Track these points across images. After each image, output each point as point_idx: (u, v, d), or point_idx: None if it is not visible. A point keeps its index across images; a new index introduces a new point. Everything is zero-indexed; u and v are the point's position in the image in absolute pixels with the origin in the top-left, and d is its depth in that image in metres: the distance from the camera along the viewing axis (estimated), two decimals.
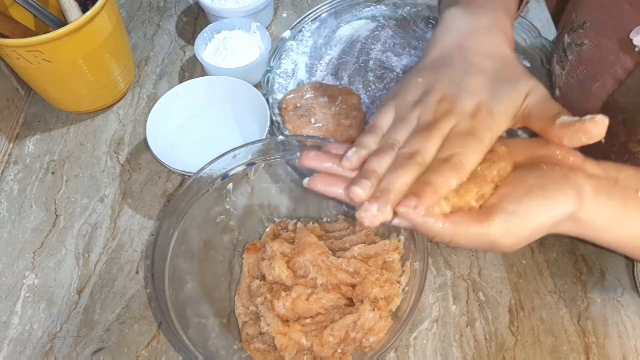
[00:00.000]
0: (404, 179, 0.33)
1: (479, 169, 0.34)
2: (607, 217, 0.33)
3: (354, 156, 0.35)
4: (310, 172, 0.48)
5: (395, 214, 0.32)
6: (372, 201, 0.32)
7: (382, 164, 0.34)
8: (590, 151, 0.52)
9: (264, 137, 0.57)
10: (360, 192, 0.32)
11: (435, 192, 0.32)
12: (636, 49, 0.43)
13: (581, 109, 0.53)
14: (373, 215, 0.31)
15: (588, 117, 0.33)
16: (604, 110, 0.48)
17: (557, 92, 0.58)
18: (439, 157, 0.34)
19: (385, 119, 0.38)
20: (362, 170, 0.34)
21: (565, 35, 0.53)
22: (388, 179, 0.33)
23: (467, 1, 0.44)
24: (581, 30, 0.50)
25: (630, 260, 0.52)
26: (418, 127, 0.36)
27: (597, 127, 0.33)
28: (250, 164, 0.51)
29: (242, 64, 0.66)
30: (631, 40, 0.43)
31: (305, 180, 0.37)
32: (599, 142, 0.46)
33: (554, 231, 0.34)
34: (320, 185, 0.36)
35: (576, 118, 0.34)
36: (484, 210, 0.32)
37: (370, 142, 0.37)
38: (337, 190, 0.35)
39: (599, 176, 0.34)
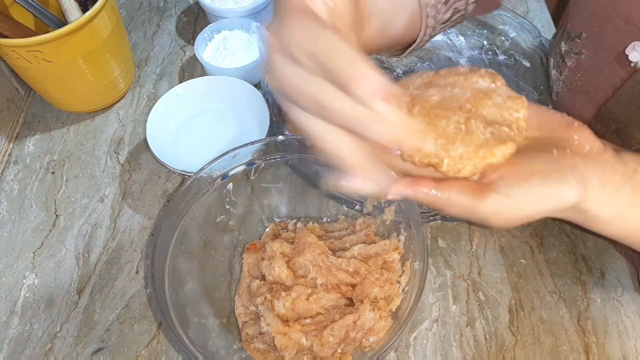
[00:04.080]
0: None
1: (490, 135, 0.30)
2: (612, 210, 0.32)
3: None
4: (310, 172, 0.48)
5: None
6: None
7: None
8: None
9: (264, 137, 0.57)
10: None
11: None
12: (631, 64, 0.43)
13: (577, 114, 0.53)
14: None
15: None
16: (597, 118, 0.48)
17: (554, 96, 0.58)
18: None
19: None
20: None
21: (563, 43, 0.53)
22: None
23: None
24: (578, 40, 0.50)
25: (635, 267, 0.52)
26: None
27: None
28: (250, 164, 0.51)
29: (242, 64, 0.66)
30: (627, 56, 0.43)
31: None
32: None
33: (555, 216, 0.32)
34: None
35: None
36: (480, 186, 0.31)
37: None
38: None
39: (614, 168, 0.33)
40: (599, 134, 0.47)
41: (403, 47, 0.48)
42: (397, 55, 0.50)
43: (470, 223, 0.56)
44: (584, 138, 0.33)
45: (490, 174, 0.31)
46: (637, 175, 0.33)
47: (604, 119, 0.47)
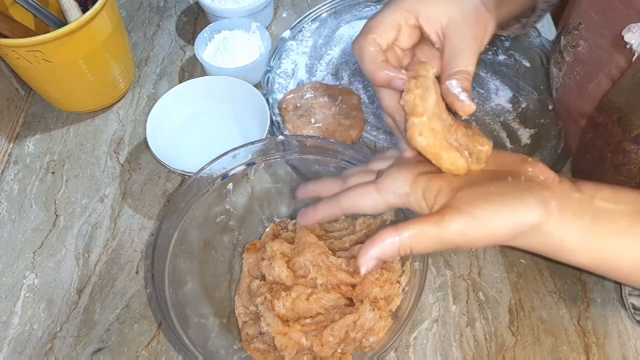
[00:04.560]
0: None
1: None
2: (576, 236, 0.32)
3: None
4: (310, 172, 0.48)
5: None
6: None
7: None
8: (587, 151, 0.52)
9: (264, 137, 0.57)
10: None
11: None
12: (627, 47, 0.43)
13: (577, 109, 0.54)
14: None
15: (461, 96, 0.37)
16: (599, 110, 0.48)
17: (555, 93, 0.58)
18: None
19: None
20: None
21: (562, 38, 0.54)
22: None
23: None
24: (576, 32, 0.50)
25: (618, 283, 0.52)
26: None
27: (462, 110, 0.37)
28: (250, 164, 0.51)
29: (242, 64, 0.66)
30: (622, 37, 0.43)
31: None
32: (595, 142, 0.47)
33: (522, 244, 0.33)
34: None
35: (456, 90, 0.37)
36: (437, 212, 0.32)
37: None
38: None
39: (571, 195, 0.33)
40: (601, 125, 0.48)
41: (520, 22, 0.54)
42: (517, 31, 0.56)
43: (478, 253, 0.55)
44: (538, 170, 0.34)
45: (447, 201, 0.33)
46: (595, 201, 0.33)
47: (606, 110, 0.47)
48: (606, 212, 0.33)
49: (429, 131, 0.35)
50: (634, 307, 0.50)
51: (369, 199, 0.36)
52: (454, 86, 0.38)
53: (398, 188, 0.35)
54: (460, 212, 0.31)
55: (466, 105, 0.37)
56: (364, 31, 0.42)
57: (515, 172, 0.34)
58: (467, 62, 0.40)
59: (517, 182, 0.33)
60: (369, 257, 0.33)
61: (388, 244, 0.32)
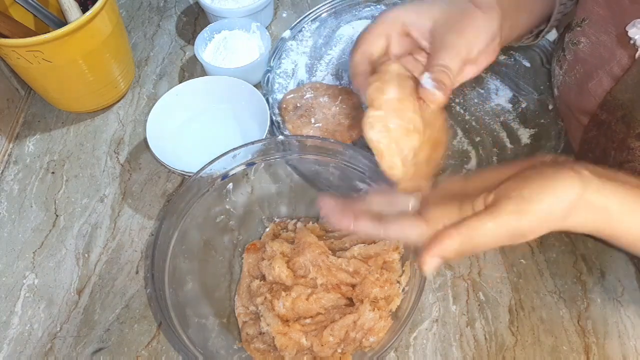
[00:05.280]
0: None
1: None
2: (619, 202, 0.33)
3: None
4: (310, 172, 0.48)
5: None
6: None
7: None
8: (590, 149, 0.52)
9: (264, 137, 0.57)
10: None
11: None
12: (631, 42, 0.43)
13: (579, 107, 0.54)
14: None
15: (426, 83, 0.38)
16: (602, 107, 0.48)
17: (556, 91, 0.58)
18: None
19: None
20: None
21: (566, 35, 0.54)
22: None
23: None
24: (578, 28, 0.50)
25: (638, 267, 0.52)
26: None
27: (426, 97, 0.38)
28: (250, 164, 0.51)
29: (242, 64, 0.66)
30: (626, 33, 0.43)
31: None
32: (598, 140, 0.47)
33: (576, 223, 0.33)
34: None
35: (426, 81, 0.38)
36: (488, 207, 0.33)
37: None
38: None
39: (595, 168, 0.34)
40: (605, 123, 0.48)
41: (534, 33, 0.55)
42: (529, 42, 0.57)
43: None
44: (553, 157, 0.36)
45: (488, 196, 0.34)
46: (619, 175, 0.34)
47: (610, 107, 0.47)
48: (633, 183, 0.34)
49: (382, 126, 0.35)
50: None
51: (417, 231, 0.36)
52: (425, 77, 0.39)
53: (447, 220, 0.35)
54: (508, 197, 0.32)
55: (429, 92, 0.37)
56: (355, 43, 0.44)
57: (537, 164, 0.35)
58: (447, 57, 0.40)
59: (546, 167, 0.34)
60: (432, 255, 0.33)
61: (449, 242, 0.33)
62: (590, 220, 0.34)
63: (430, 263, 0.33)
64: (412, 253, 0.47)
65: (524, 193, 0.32)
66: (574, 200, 0.32)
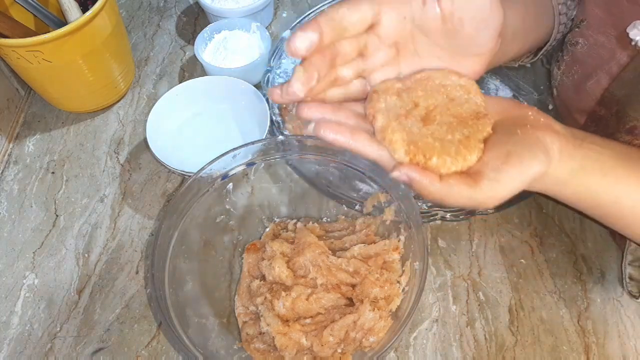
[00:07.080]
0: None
1: (468, 132, 0.36)
2: (567, 173, 0.36)
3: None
4: (310, 172, 0.48)
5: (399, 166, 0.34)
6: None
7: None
8: None
9: (264, 137, 0.57)
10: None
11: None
12: (632, 43, 0.43)
13: (576, 107, 0.54)
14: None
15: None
16: (600, 103, 0.49)
17: (555, 91, 0.59)
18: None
19: None
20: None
21: (565, 35, 0.54)
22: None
23: None
24: (577, 29, 0.51)
25: (621, 253, 0.52)
26: None
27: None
28: (250, 164, 0.51)
29: (242, 64, 0.66)
30: (627, 34, 0.43)
31: (311, 127, 0.36)
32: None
33: (529, 188, 0.36)
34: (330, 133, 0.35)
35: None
36: (471, 176, 0.35)
37: None
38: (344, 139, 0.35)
39: (566, 137, 0.36)
40: (603, 118, 0.48)
41: (533, 51, 0.56)
42: (527, 61, 0.58)
43: (469, 222, 0.56)
44: (536, 112, 0.38)
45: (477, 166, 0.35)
46: (585, 143, 0.37)
47: (607, 103, 0.48)
48: (594, 153, 0.37)
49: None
50: (631, 278, 0.50)
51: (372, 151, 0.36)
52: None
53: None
54: (489, 179, 0.34)
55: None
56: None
57: (519, 117, 0.37)
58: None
59: (526, 135, 0.35)
60: (406, 172, 0.34)
61: (429, 181, 0.34)
62: (541, 185, 0.37)
63: (403, 175, 0.34)
64: (412, 253, 0.47)
65: (501, 178, 0.34)
66: (537, 178, 0.35)
